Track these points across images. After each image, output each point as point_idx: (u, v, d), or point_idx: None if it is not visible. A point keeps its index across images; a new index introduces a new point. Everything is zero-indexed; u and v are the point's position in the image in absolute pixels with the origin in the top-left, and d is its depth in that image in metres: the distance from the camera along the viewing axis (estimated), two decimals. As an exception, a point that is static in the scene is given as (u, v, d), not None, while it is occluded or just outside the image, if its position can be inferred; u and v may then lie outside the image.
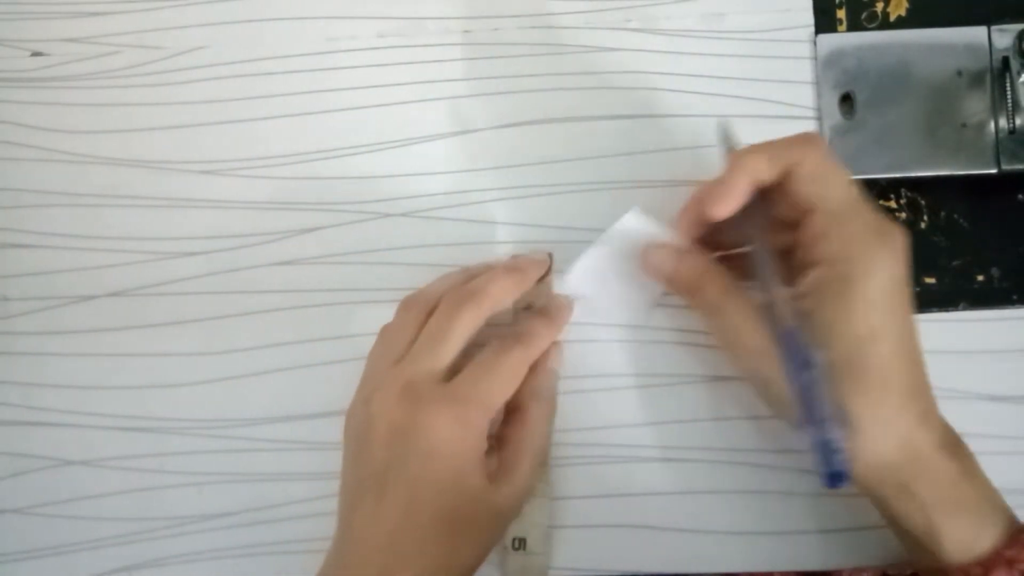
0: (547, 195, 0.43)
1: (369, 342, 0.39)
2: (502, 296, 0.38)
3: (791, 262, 0.35)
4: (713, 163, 0.41)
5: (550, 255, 0.41)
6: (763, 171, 0.34)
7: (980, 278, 0.41)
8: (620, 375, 0.41)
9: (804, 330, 0.32)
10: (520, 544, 0.40)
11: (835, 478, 0.30)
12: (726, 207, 0.34)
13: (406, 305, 0.39)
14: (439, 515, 0.34)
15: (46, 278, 0.45)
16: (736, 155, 0.35)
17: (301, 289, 0.43)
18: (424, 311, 0.38)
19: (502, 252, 0.42)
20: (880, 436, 0.32)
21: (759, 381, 0.36)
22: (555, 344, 0.40)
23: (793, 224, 0.35)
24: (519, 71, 0.44)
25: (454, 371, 0.36)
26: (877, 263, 0.32)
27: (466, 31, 0.45)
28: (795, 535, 0.40)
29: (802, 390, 0.31)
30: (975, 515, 0.33)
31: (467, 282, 0.38)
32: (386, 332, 0.39)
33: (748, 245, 0.36)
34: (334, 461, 0.38)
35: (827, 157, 0.34)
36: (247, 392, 0.43)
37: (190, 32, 0.46)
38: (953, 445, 0.33)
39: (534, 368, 0.38)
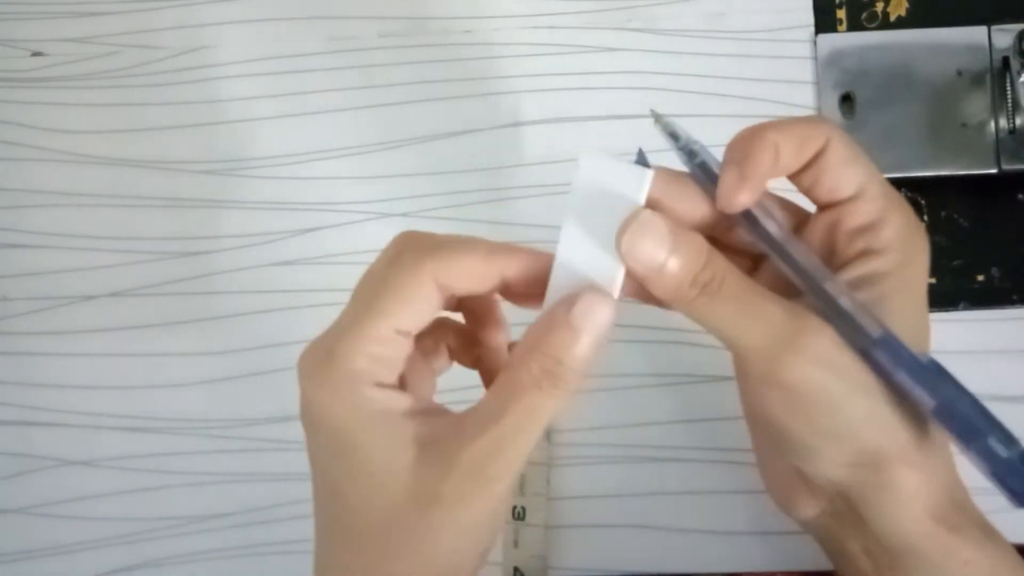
0: (549, 195, 0.43)
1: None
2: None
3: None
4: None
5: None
6: (789, 153, 0.28)
7: (980, 278, 0.41)
8: (620, 375, 0.41)
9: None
10: (520, 514, 0.40)
11: None
12: (749, 194, 0.27)
13: None
14: None
15: (46, 278, 0.45)
16: (753, 134, 0.28)
17: (301, 289, 0.43)
18: None
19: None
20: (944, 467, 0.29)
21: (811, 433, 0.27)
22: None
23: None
24: (519, 71, 0.44)
25: None
26: (924, 254, 0.29)
27: (466, 31, 0.45)
28: (795, 535, 0.40)
29: (947, 407, 0.26)
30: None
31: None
32: None
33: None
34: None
35: (849, 139, 0.29)
36: (247, 392, 0.43)
37: (190, 32, 0.46)
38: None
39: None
